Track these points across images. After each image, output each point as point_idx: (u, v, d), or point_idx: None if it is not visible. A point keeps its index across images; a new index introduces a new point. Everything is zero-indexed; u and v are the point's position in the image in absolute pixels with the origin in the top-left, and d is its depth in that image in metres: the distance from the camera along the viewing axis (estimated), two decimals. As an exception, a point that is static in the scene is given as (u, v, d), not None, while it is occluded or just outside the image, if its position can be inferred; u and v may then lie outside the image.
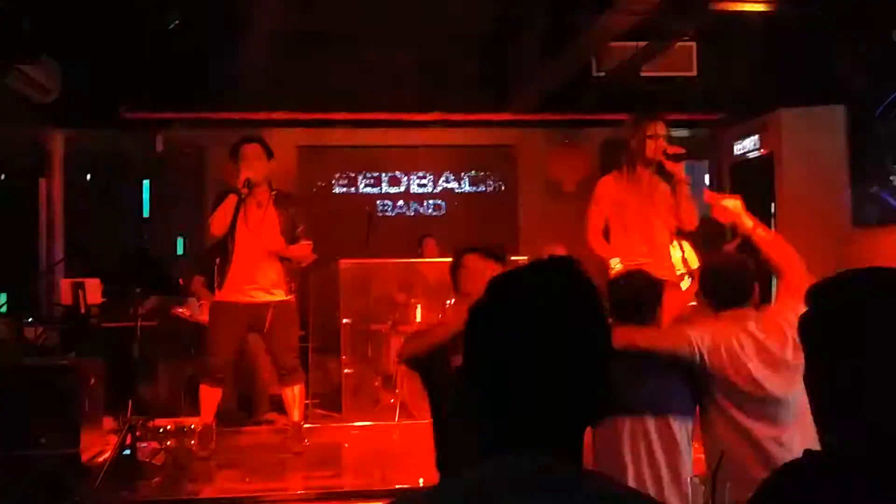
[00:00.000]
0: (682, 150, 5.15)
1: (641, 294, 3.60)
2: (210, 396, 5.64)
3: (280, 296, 5.73)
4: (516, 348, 1.25)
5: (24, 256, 8.21)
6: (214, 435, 5.63)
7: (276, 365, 5.83)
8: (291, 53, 7.75)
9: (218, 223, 5.62)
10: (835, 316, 1.54)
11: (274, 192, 5.78)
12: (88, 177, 9.13)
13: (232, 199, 5.57)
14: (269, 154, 5.73)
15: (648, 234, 5.15)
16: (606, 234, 5.22)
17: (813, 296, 1.59)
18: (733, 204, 3.83)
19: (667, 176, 5.19)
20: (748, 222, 3.72)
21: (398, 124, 9.19)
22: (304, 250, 5.82)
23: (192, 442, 5.82)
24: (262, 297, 5.67)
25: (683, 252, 6.12)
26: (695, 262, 5.20)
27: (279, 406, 6.33)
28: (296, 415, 5.77)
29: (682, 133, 9.29)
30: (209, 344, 5.78)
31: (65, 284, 6.95)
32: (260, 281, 5.67)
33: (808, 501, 1.44)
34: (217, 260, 5.83)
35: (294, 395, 5.77)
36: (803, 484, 1.47)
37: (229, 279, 5.67)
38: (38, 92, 7.58)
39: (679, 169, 5.15)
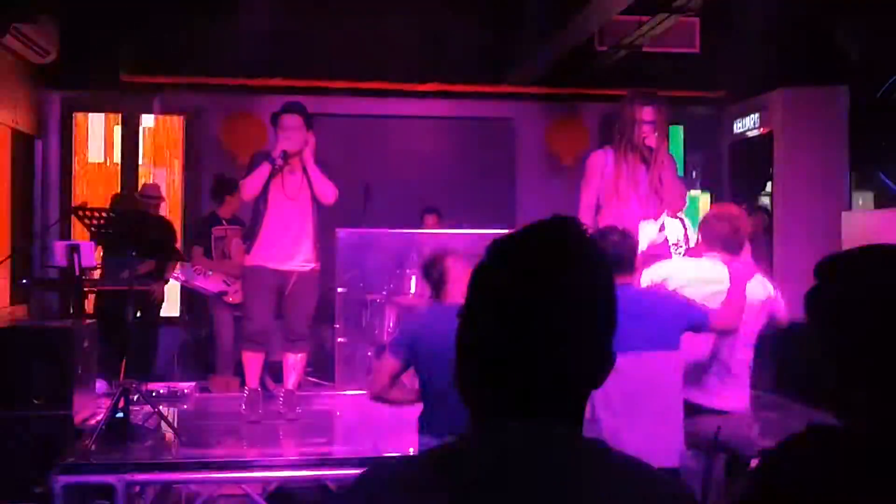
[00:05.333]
0: (656, 142, 5.20)
1: (618, 249, 3.92)
2: (253, 361, 5.69)
3: (307, 265, 5.72)
4: (517, 310, 1.21)
5: (20, 218, 8.18)
6: (261, 399, 5.68)
7: (287, 330, 5.83)
8: (290, 20, 7.69)
9: (250, 188, 5.60)
10: (845, 290, 1.53)
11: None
12: (88, 139, 9.11)
13: (266, 167, 5.53)
14: (309, 125, 5.67)
15: (632, 216, 5.18)
16: (599, 212, 5.28)
17: (822, 270, 1.57)
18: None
19: (646, 162, 5.26)
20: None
21: (397, 94, 9.15)
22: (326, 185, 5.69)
23: (184, 406, 5.88)
24: (291, 267, 5.67)
25: (686, 229, 6.15)
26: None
27: (275, 373, 6.35)
28: (292, 382, 5.78)
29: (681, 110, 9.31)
30: (246, 310, 5.82)
31: (59, 247, 6.92)
32: (291, 250, 5.65)
33: (813, 475, 1.43)
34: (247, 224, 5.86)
35: (296, 361, 5.79)
36: (808, 457, 1.46)
37: (261, 245, 5.66)
38: (37, 52, 7.53)
39: (662, 150, 5.22)
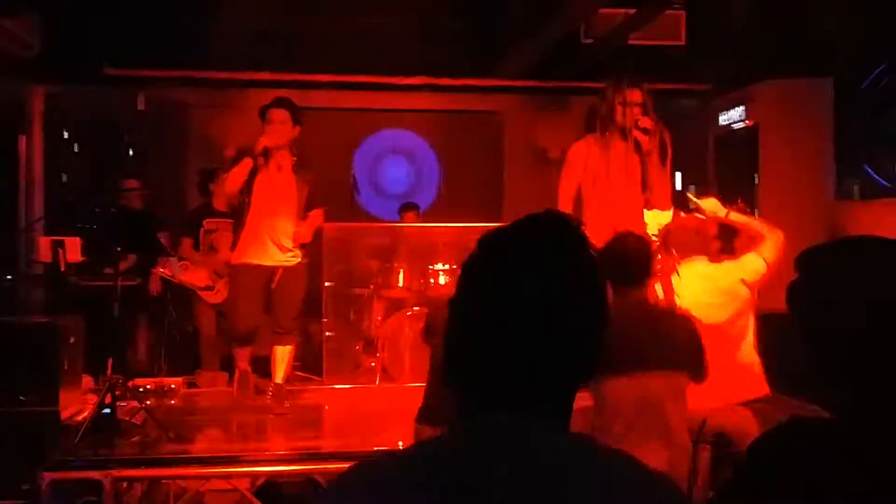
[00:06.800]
0: (652, 125, 5.03)
1: (635, 255, 3.63)
2: (243, 355, 5.77)
3: (293, 260, 5.72)
4: (507, 304, 1.21)
5: (3, 213, 8.13)
6: (253, 383, 5.71)
7: (275, 323, 5.85)
8: (276, 13, 7.66)
9: (233, 181, 5.61)
10: (828, 281, 1.53)
11: (294, 159, 5.73)
12: (69, 134, 9.04)
13: (248, 161, 5.53)
14: (297, 120, 5.66)
15: (618, 205, 5.06)
16: (579, 202, 5.18)
17: (804, 261, 1.58)
18: (712, 204, 4.72)
19: (639, 148, 5.08)
20: (723, 212, 4.70)
21: (383, 87, 9.12)
22: (315, 221, 5.82)
23: (171, 402, 5.87)
24: (276, 261, 5.66)
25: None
26: None
27: (262, 368, 6.34)
28: (280, 376, 5.78)
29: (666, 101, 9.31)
30: (234, 309, 5.84)
31: (44, 242, 6.87)
32: (274, 244, 5.66)
33: (797, 465, 1.44)
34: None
35: (283, 354, 5.79)
36: (792, 448, 1.47)
37: (244, 241, 5.67)
38: (19, 46, 7.47)
39: (647, 141, 5.02)
